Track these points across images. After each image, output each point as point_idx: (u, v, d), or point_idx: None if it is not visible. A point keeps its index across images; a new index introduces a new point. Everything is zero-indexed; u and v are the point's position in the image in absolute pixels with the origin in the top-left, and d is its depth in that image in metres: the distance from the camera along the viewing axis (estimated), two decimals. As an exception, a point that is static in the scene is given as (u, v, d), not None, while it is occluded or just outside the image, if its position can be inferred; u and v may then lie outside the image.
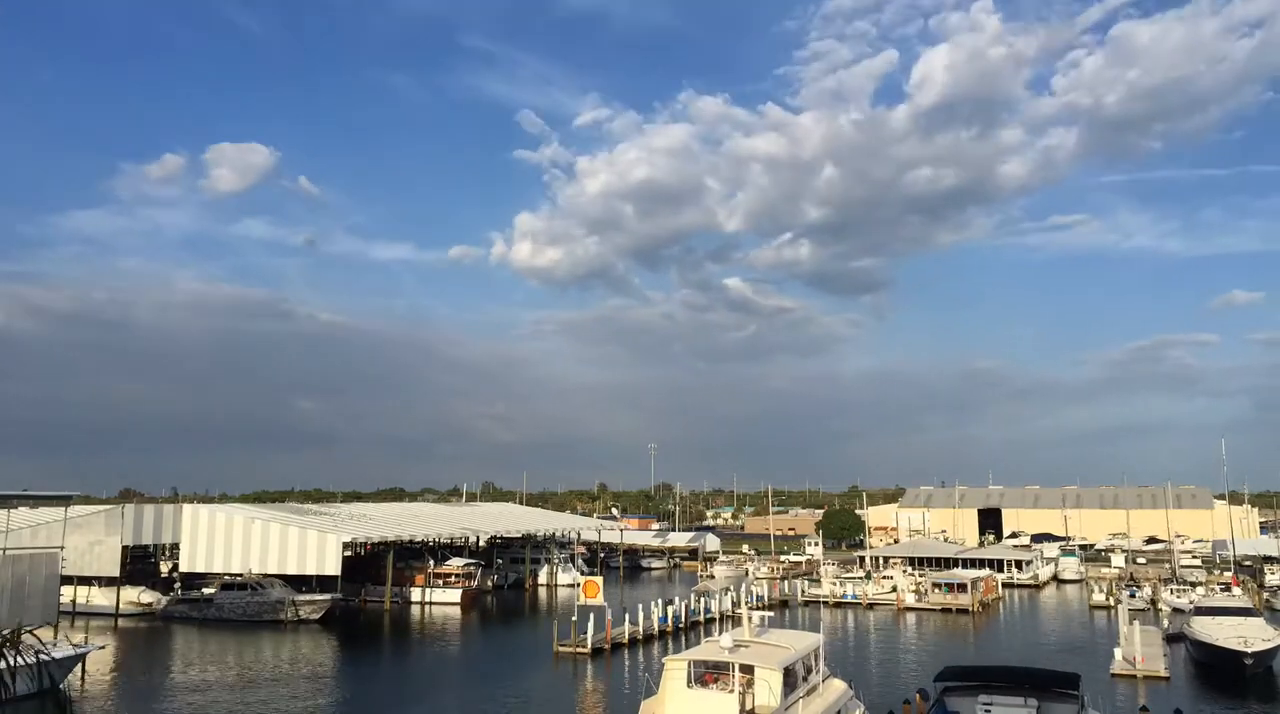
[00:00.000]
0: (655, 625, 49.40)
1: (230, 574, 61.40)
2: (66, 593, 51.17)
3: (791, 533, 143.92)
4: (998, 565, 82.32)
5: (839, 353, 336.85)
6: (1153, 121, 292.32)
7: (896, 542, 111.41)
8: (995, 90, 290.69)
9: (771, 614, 41.02)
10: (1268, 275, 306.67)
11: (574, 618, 45.59)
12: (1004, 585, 76.32)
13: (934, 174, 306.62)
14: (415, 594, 66.64)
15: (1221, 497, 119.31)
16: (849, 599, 66.97)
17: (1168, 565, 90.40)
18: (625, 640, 46.45)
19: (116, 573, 58.97)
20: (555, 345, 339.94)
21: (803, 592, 70.39)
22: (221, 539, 63.44)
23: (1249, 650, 37.18)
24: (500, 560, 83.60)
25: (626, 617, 47.18)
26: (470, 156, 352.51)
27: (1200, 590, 64.27)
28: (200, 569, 63.79)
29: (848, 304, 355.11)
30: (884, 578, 72.10)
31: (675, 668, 24.07)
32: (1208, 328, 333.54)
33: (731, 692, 22.92)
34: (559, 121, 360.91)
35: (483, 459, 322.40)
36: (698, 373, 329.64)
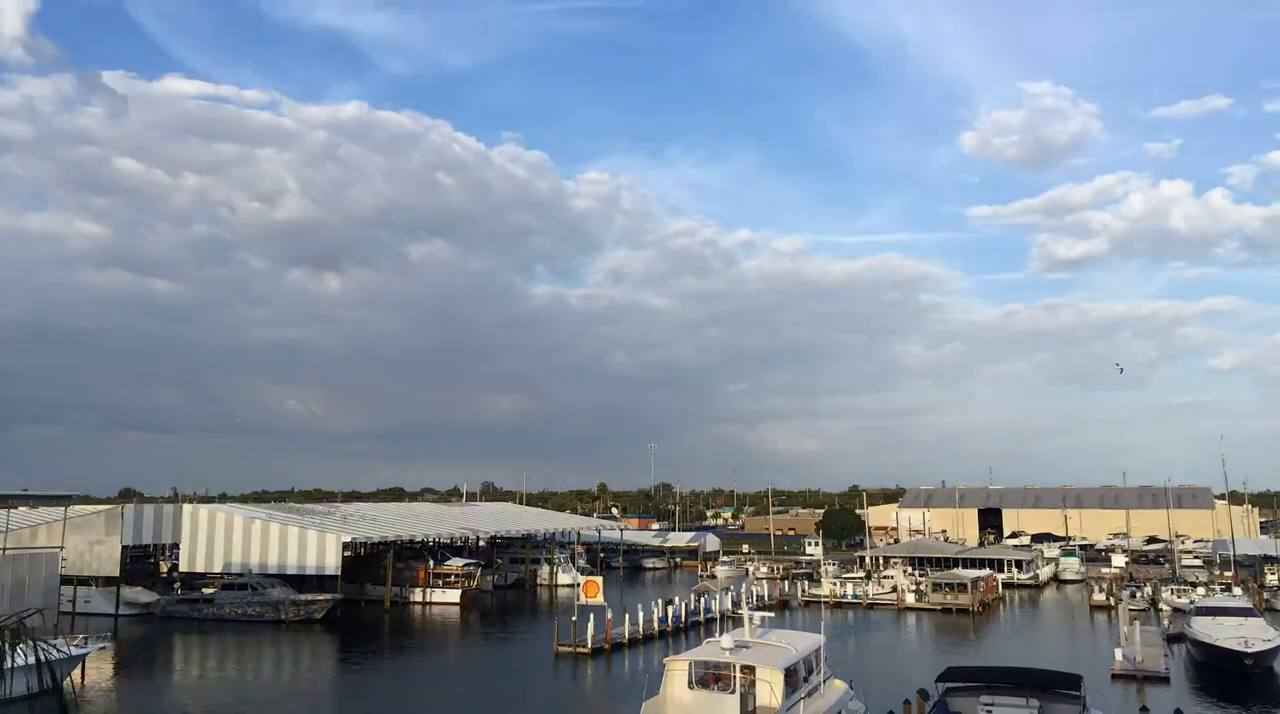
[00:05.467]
0: (655, 625, 49.39)
1: (230, 574, 61.39)
2: (66, 593, 51.13)
3: (792, 533, 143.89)
4: (998, 565, 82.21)
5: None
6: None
7: (896, 541, 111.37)
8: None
9: (772, 615, 41.01)
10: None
11: (574, 618, 45.58)
12: (1004, 585, 76.22)
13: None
14: (415, 594, 66.64)
15: (1222, 496, 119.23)
16: (849, 599, 66.93)
17: (1166, 565, 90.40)
18: (625, 640, 46.42)
19: (116, 573, 58.94)
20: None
21: (803, 592, 70.36)
22: (221, 539, 63.43)
23: (1249, 650, 37.17)
24: (500, 560, 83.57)
25: (626, 617, 47.16)
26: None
27: (1201, 590, 64.25)
28: (200, 569, 63.80)
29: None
30: (884, 578, 72.08)
31: (676, 668, 24.07)
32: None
33: (733, 692, 22.91)
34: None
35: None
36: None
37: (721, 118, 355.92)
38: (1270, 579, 74.51)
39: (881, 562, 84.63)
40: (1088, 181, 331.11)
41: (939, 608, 62.74)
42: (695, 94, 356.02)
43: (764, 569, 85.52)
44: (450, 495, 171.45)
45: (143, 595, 60.56)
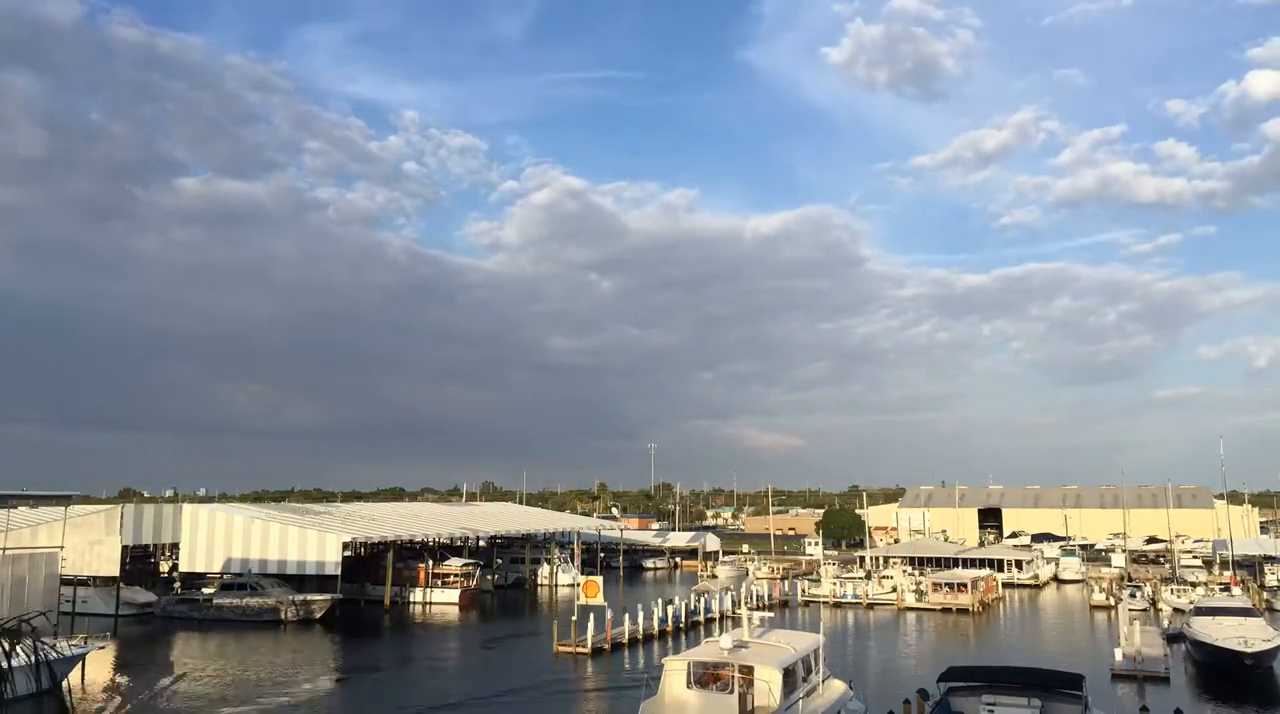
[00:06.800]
0: (655, 625, 49.37)
1: (230, 574, 61.39)
2: (66, 593, 51.13)
3: (792, 533, 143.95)
4: (998, 565, 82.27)
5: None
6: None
7: (897, 541, 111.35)
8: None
9: (771, 614, 41.05)
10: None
11: (574, 618, 45.57)
12: (1004, 585, 76.28)
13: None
14: (415, 594, 66.66)
15: (1221, 496, 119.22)
16: (849, 599, 66.94)
17: (1166, 565, 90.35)
18: (625, 640, 46.41)
19: (116, 573, 58.95)
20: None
21: (803, 592, 70.35)
22: (221, 539, 63.42)
23: (1249, 650, 37.17)
24: (500, 560, 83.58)
25: (626, 617, 47.15)
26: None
27: (1200, 590, 64.24)
28: (200, 569, 63.80)
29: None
30: (884, 578, 72.08)
31: (675, 668, 24.07)
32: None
33: (731, 692, 22.91)
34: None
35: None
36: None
37: (708, 162, 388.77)
38: (1270, 579, 74.51)
39: (881, 562, 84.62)
40: (987, 122, 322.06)
41: (939, 608, 62.76)
42: (685, 142, 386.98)
43: (764, 569, 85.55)
44: (450, 495, 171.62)
45: (140, 595, 60.59)
